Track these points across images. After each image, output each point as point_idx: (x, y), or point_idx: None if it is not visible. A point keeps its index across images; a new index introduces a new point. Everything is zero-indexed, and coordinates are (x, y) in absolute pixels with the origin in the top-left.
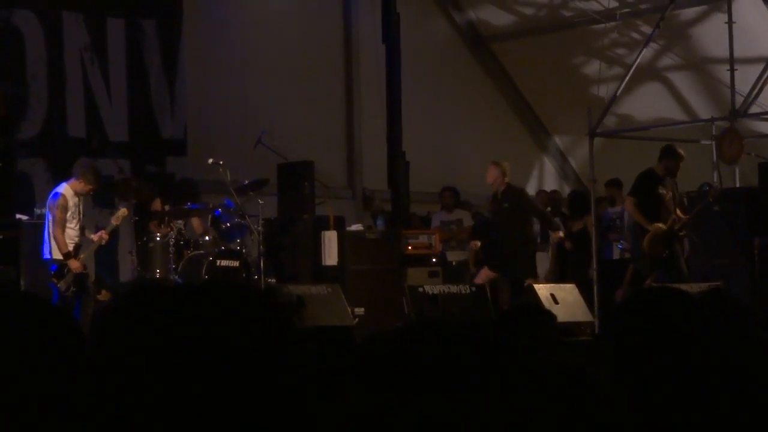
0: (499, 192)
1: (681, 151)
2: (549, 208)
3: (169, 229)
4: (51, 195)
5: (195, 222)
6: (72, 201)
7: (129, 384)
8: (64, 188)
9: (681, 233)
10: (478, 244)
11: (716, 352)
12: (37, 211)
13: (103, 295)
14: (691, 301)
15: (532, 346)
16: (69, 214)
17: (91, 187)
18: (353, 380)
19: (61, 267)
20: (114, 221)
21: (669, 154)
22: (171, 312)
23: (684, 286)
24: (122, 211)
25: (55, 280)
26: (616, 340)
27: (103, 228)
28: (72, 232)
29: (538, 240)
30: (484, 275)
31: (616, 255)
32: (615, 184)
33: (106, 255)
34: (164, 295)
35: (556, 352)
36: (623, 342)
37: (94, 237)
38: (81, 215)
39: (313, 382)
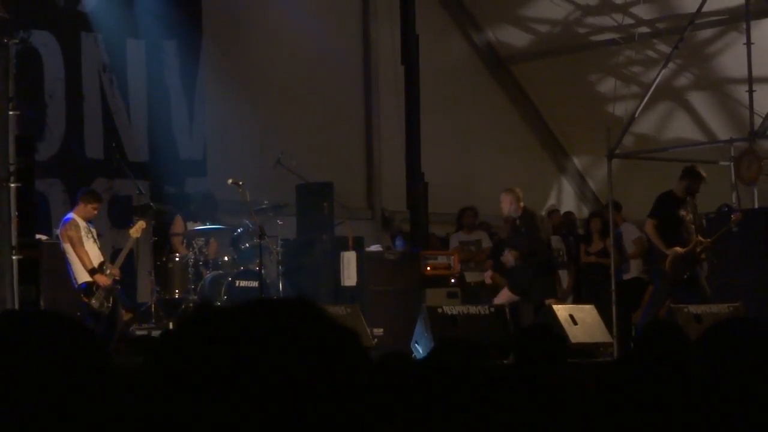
0: (516, 218)
1: (703, 172)
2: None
3: (189, 251)
4: (60, 225)
5: (212, 245)
6: (83, 224)
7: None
8: (72, 215)
9: (702, 256)
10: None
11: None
12: (56, 231)
13: (125, 315)
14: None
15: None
16: (83, 233)
17: (93, 206)
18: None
19: (89, 285)
20: (133, 233)
21: (691, 175)
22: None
23: (703, 307)
24: (140, 224)
25: (86, 300)
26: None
27: (121, 247)
28: (93, 252)
29: (564, 258)
30: (504, 296)
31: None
32: (614, 207)
33: (123, 275)
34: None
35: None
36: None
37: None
38: (96, 241)
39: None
